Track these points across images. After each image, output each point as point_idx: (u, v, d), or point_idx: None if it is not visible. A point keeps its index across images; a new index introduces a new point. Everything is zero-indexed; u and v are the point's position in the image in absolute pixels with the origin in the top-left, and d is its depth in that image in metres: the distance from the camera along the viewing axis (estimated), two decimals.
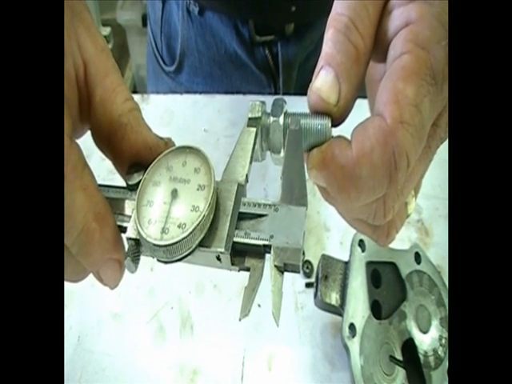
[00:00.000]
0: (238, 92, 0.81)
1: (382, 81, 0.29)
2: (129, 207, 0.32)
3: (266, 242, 0.29)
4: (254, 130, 0.33)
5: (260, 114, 0.33)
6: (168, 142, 0.34)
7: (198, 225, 0.29)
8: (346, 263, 0.54)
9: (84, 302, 0.61)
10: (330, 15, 0.31)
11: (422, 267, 0.55)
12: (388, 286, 0.54)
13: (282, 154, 0.33)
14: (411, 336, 0.51)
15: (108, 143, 0.33)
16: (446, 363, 0.51)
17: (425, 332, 0.52)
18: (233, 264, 0.30)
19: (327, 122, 0.31)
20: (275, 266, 0.29)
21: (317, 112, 0.31)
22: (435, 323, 0.53)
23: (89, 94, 0.33)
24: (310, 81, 0.31)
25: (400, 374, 0.49)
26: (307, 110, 0.32)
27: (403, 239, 0.65)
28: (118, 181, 0.34)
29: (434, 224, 0.67)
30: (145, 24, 1.98)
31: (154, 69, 0.93)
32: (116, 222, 0.32)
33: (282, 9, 0.75)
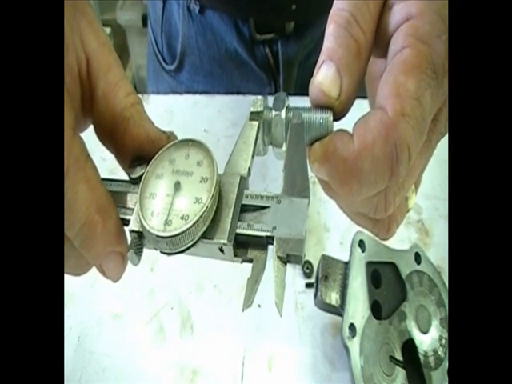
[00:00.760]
0: (238, 92, 0.82)
1: (383, 75, 0.29)
2: (131, 200, 0.33)
3: (269, 234, 0.29)
4: (256, 123, 0.33)
5: (262, 109, 0.33)
6: (170, 136, 0.34)
7: (200, 216, 0.29)
8: (346, 263, 0.54)
9: (84, 302, 0.61)
10: (332, 11, 0.31)
11: (422, 267, 0.55)
12: (388, 286, 0.54)
13: (284, 148, 0.33)
14: (411, 336, 0.51)
15: (111, 137, 0.33)
16: (446, 363, 0.51)
17: (425, 332, 0.52)
18: (235, 255, 0.31)
19: (329, 115, 0.31)
20: (278, 256, 0.29)
21: (318, 106, 0.31)
22: (435, 323, 0.53)
23: (91, 88, 0.33)
24: (311, 79, 0.31)
25: (400, 375, 0.49)
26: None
27: (403, 239, 0.65)
28: None
29: (434, 224, 0.67)
30: (145, 24, 1.98)
31: (154, 68, 0.93)
32: (119, 214, 0.32)
33: (282, 7, 0.75)
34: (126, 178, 0.33)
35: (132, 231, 0.31)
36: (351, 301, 0.51)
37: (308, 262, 0.62)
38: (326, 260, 0.54)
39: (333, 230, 0.66)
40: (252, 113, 0.33)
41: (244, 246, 0.31)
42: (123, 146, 0.33)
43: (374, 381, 0.48)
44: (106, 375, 0.56)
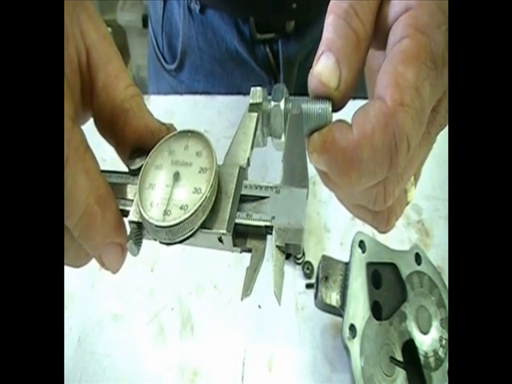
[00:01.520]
0: (238, 92, 0.82)
1: (382, 65, 0.29)
2: (131, 191, 0.33)
3: (268, 223, 0.29)
4: (255, 114, 0.33)
5: (261, 100, 0.34)
6: (170, 128, 0.34)
7: (200, 206, 0.29)
8: (347, 264, 0.54)
9: (84, 302, 0.61)
10: (331, 2, 0.31)
11: (423, 268, 0.55)
12: (388, 286, 0.54)
13: (283, 138, 0.34)
14: (411, 337, 0.51)
15: (110, 129, 0.33)
16: (446, 364, 0.51)
17: (425, 333, 0.52)
18: (235, 245, 0.31)
19: (328, 105, 0.31)
20: (277, 246, 0.29)
21: (317, 96, 0.31)
22: (435, 324, 0.53)
23: (91, 79, 0.33)
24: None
25: (400, 375, 0.49)
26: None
27: (403, 240, 0.65)
28: None
29: (434, 225, 0.67)
30: (145, 25, 1.98)
31: (155, 67, 0.93)
32: (118, 205, 0.32)
33: (282, 6, 0.75)
34: (126, 170, 0.33)
35: (131, 222, 0.31)
36: (351, 301, 0.51)
37: (308, 263, 0.62)
38: (327, 261, 0.54)
39: (333, 230, 0.66)
40: (251, 104, 0.34)
41: (243, 236, 0.31)
42: (123, 137, 0.33)
43: (375, 381, 0.48)
44: (107, 375, 0.56)
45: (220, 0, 0.77)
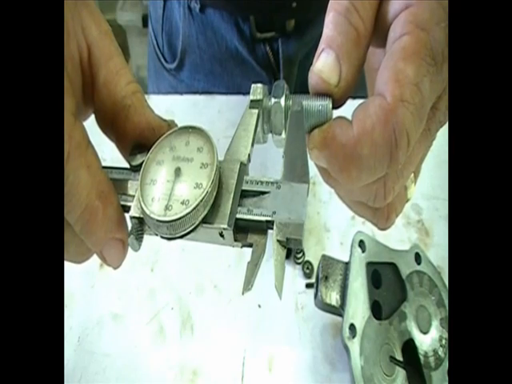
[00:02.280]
0: (238, 92, 0.82)
1: (383, 61, 0.30)
2: (132, 187, 0.33)
3: (269, 218, 0.30)
4: (255, 111, 0.34)
5: (262, 96, 0.34)
6: (171, 124, 0.34)
7: (201, 201, 0.29)
8: (347, 264, 0.54)
9: (84, 302, 0.61)
10: (331, 0, 0.31)
11: (422, 268, 0.55)
12: (388, 286, 0.54)
13: (284, 135, 0.34)
14: (411, 336, 0.51)
15: (111, 125, 0.33)
16: (446, 364, 0.51)
17: (425, 332, 0.52)
18: (236, 240, 0.31)
19: (328, 102, 0.31)
20: (278, 240, 0.29)
21: (318, 93, 0.31)
22: (435, 324, 0.53)
23: (92, 76, 0.33)
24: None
25: (400, 375, 0.49)
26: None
27: (403, 240, 0.65)
28: None
29: (434, 225, 0.67)
30: (145, 25, 1.98)
31: (154, 67, 0.93)
32: (119, 201, 0.32)
33: (282, 5, 0.75)
34: (127, 166, 0.34)
35: (133, 217, 0.32)
36: (351, 301, 0.51)
37: (308, 262, 0.62)
38: (327, 260, 0.54)
39: (333, 230, 0.66)
40: (252, 101, 0.34)
41: (244, 231, 0.31)
42: (124, 133, 0.33)
43: (374, 381, 0.48)
44: (106, 375, 0.56)
45: None
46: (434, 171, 0.68)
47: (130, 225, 0.32)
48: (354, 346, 0.49)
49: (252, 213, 0.30)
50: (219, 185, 0.31)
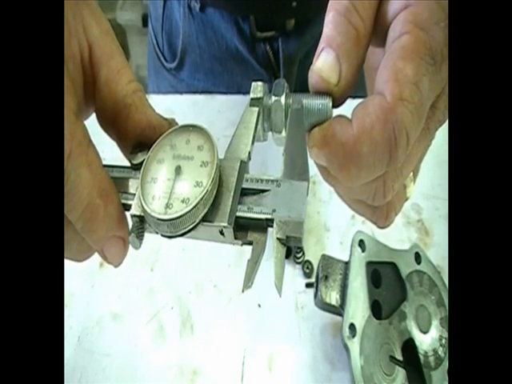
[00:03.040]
0: (238, 91, 0.82)
1: (382, 61, 0.30)
2: (133, 186, 0.33)
3: (269, 216, 0.30)
4: (256, 109, 0.34)
5: (262, 94, 0.34)
6: (172, 122, 0.34)
7: (201, 199, 0.29)
8: (346, 263, 0.54)
9: (84, 302, 0.61)
10: None
11: (422, 267, 0.55)
12: (388, 286, 0.54)
13: (284, 133, 0.34)
14: (411, 336, 0.51)
15: (113, 123, 0.33)
16: (446, 363, 0.51)
17: (425, 332, 0.52)
18: (236, 238, 0.31)
19: (328, 101, 0.31)
20: (278, 238, 0.29)
21: (318, 92, 0.31)
22: (435, 323, 0.53)
23: (94, 75, 0.33)
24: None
25: (400, 374, 0.49)
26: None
27: (403, 239, 0.65)
28: None
29: (434, 224, 0.67)
30: (145, 24, 1.98)
31: (154, 66, 0.93)
32: (120, 199, 0.32)
33: (282, 4, 0.76)
34: (128, 165, 0.34)
35: (133, 216, 0.32)
36: (351, 300, 0.51)
37: (308, 262, 0.62)
38: (326, 260, 0.54)
39: (333, 229, 0.66)
40: (252, 99, 0.34)
41: (244, 229, 0.31)
42: (125, 132, 0.33)
43: (374, 380, 0.48)
44: (106, 375, 0.56)
45: None
46: (434, 171, 0.68)
47: (130, 223, 0.32)
48: (354, 345, 0.49)
49: (252, 211, 0.30)
50: (219, 183, 0.31)
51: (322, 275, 0.53)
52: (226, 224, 0.30)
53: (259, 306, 0.59)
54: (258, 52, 0.81)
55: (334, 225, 0.67)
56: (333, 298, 0.52)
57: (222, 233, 0.31)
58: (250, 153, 0.33)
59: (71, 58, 0.32)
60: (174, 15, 0.84)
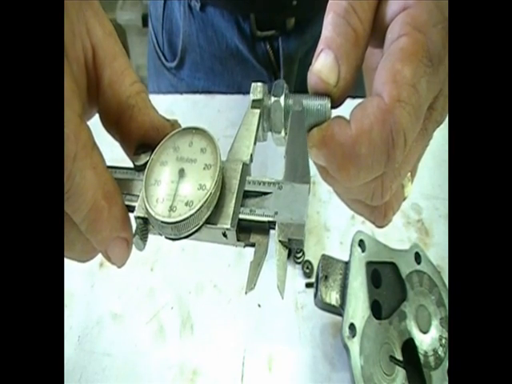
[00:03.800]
0: (238, 91, 0.82)
1: (380, 62, 0.30)
2: (136, 187, 0.33)
3: (271, 219, 0.30)
4: (257, 111, 0.34)
5: (262, 95, 0.34)
6: (174, 124, 0.35)
7: (204, 202, 0.29)
8: (346, 263, 0.54)
9: (84, 302, 0.61)
10: (330, 0, 0.32)
11: (422, 267, 0.55)
12: (388, 286, 0.54)
13: (283, 133, 0.34)
14: (411, 336, 0.51)
15: (116, 125, 0.34)
16: (446, 363, 0.51)
17: (425, 332, 0.52)
18: (238, 240, 0.31)
19: (327, 102, 0.31)
20: (280, 241, 0.30)
21: (317, 93, 0.32)
22: (435, 323, 0.53)
23: (97, 76, 0.33)
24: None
25: (400, 374, 0.49)
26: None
27: (403, 239, 0.65)
28: None
29: (434, 224, 0.67)
30: (145, 24, 1.98)
31: (155, 65, 0.93)
32: (124, 201, 0.32)
33: (283, 4, 0.76)
34: (131, 166, 0.34)
35: (137, 217, 0.32)
36: (351, 300, 0.51)
37: (308, 262, 0.62)
38: (326, 260, 0.54)
39: (333, 229, 0.66)
40: (254, 101, 0.34)
41: (247, 231, 0.31)
42: (128, 133, 0.33)
43: (374, 380, 0.48)
44: (106, 375, 0.56)
45: None
46: (434, 171, 0.68)
47: (134, 224, 0.33)
48: (354, 345, 0.49)
49: (254, 213, 0.30)
50: (222, 185, 0.31)
51: (322, 275, 0.53)
52: (229, 226, 0.30)
53: (259, 305, 0.59)
54: (258, 51, 0.81)
55: (334, 225, 0.67)
56: (333, 298, 0.52)
57: (224, 235, 0.31)
58: (251, 155, 0.33)
59: (75, 59, 0.32)
60: (174, 14, 0.84)
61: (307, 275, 0.62)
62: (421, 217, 0.68)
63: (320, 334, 0.58)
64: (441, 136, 0.34)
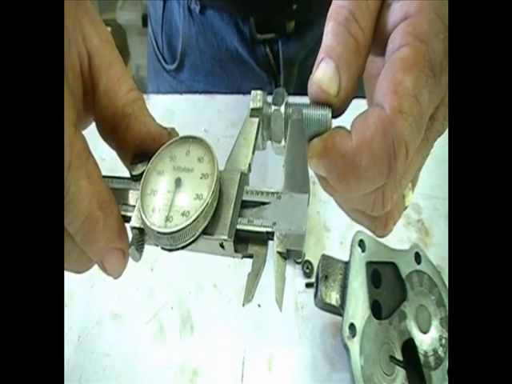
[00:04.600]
0: (238, 92, 0.82)
1: (382, 72, 0.30)
2: (133, 197, 0.33)
3: (269, 229, 0.29)
4: (256, 120, 0.34)
5: (261, 104, 0.34)
6: (172, 132, 0.34)
7: (201, 212, 0.29)
8: (346, 263, 0.54)
9: (84, 302, 0.61)
10: (331, 8, 0.32)
11: (422, 267, 0.55)
12: (388, 286, 0.54)
13: (283, 143, 0.34)
14: (411, 336, 0.51)
15: (112, 133, 0.33)
16: (445, 363, 0.51)
17: (425, 332, 0.52)
18: (236, 251, 0.31)
19: (328, 112, 0.31)
20: (278, 252, 0.29)
21: (317, 103, 0.31)
22: (435, 323, 0.53)
23: (93, 84, 0.33)
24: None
25: (400, 374, 0.49)
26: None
27: (403, 239, 0.65)
28: None
29: (434, 224, 0.67)
30: (145, 24, 1.98)
31: (154, 67, 0.93)
32: (120, 211, 0.32)
33: (282, 7, 0.76)
34: (128, 175, 0.33)
35: (133, 228, 0.32)
36: (351, 300, 0.51)
37: (308, 262, 0.62)
38: (326, 260, 0.54)
39: (333, 229, 0.66)
40: (252, 109, 0.34)
41: (244, 242, 0.31)
42: (125, 142, 0.33)
43: (374, 380, 0.48)
44: (106, 375, 0.56)
45: (220, 0, 0.77)
46: (434, 171, 0.68)
47: (130, 234, 0.32)
48: (354, 345, 0.49)
49: (252, 223, 0.30)
50: (219, 195, 0.30)
51: (322, 275, 0.53)
52: (226, 237, 0.30)
53: (259, 306, 0.59)
54: (257, 54, 0.81)
55: (334, 225, 0.67)
56: (333, 298, 0.52)
57: (222, 246, 0.30)
58: (250, 164, 0.32)
59: (71, 67, 0.31)
60: (173, 17, 0.84)
61: (307, 275, 0.62)
62: (421, 217, 0.68)
63: (320, 333, 0.58)
64: (441, 136, 0.34)
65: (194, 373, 0.55)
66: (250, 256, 0.31)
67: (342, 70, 0.30)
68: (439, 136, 0.32)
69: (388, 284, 0.54)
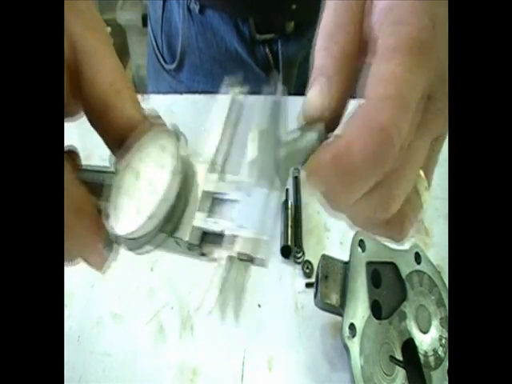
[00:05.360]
0: None
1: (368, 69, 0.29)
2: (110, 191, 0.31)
3: (235, 232, 0.28)
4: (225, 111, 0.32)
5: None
6: (154, 122, 0.32)
7: (165, 214, 0.27)
8: (346, 263, 0.54)
9: (84, 302, 0.61)
10: (320, 24, 0.32)
11: (422, 267, 0.55)
12: (388, 286, 0.54)
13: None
14: (411, 336, 0.51)
15: (97, 123, 0.32)
16: (446, 363, 0.51)
17: (425, 332, 0.52)
18: (202, 254, 0.30)
19: (316, 133, 0.30)
20: (240, 258, 0.28)
21: (309, 120, 0.31)
22: (435, 323, 0.53)
23: (78, 73, 0.32)
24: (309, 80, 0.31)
25: (400, 374, 0.49)
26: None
27: None
28: None
29: (433, 224, 0.67)
30: (145, 24, 1.98)
31: (154, 67, 0.93)
32: (97, 208, 0.30)
33: (282, 7, 0.76)
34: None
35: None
36: (351, 301, 0.51)
37: (308, 262, 0.62)
38: (326, 260, 0.54)
39: (333, 229, 0.66)
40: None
41: (208, 242, 0.30)
42: (107, 132, 0.32)
43: (374, 380, 0.48)
44: (106, 375, 0.56)
45: (220, 0, 0.77)
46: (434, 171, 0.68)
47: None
48: (354, 345, 0.49)
49: (217, 224, 0.28)
50: (184, 193, 0.29)
51: (322, 275, 0.53)
52: (187, 238, 0.29)
53: (259, 306, 0.59)
54: (257, 54, 0.81)
55: (334, 225, 0.67)
56: (333, 298, 0.52)
57: (187, 247, 0.29)
58: (217, 160, 0.31)
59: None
60: (173, 17, 0.84)
61: (307, 275, 0.62)
62: (421, 217, 0.68)
63: (320, 334, 0.58)
64: None
65: (193, 373, 0.55)
66: (214, 259, 0.29)
67: (331, 83, 0.30)
68: (442, 116, 0.31)
69: (388, 284, 0.54)
